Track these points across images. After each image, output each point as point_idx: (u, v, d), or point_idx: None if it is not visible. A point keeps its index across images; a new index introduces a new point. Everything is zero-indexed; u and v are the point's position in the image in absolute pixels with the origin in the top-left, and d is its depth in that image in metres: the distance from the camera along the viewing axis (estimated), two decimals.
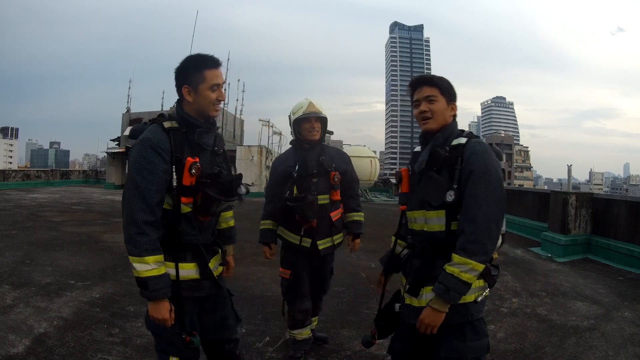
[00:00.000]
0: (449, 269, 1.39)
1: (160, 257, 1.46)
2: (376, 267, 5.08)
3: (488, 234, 1.38)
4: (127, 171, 1.51)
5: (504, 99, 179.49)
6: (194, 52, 1.60)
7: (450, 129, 1.56)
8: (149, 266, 1.43)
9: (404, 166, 1.74)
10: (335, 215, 2.48)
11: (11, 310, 3.19)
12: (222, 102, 1.63)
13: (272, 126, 21.41)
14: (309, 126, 2.38)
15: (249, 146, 18.07)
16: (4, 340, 2.66)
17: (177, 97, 1.60)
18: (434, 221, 1.51)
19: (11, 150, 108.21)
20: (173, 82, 1.59)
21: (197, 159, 1.50)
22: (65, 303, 3.41)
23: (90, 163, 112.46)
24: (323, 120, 2.44)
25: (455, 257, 1.38)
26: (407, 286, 1.60)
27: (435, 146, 1.52)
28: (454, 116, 1.60)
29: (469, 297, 1.44)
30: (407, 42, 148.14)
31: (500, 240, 1.53)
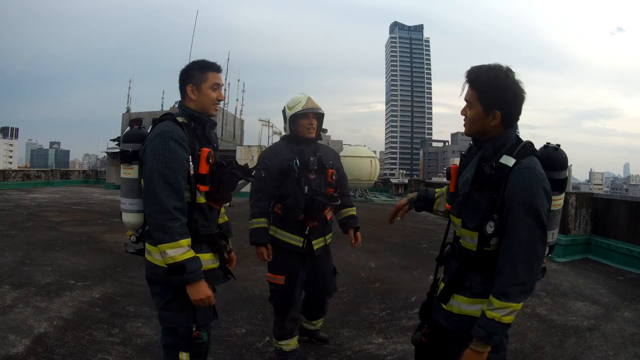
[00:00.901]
0: (489, 314, 1.29)
1: (190, 240, 1.53)
2: (376, 267, 5.08)
3: (530, 273, 1.28)
4: (146, 165, 1.55)
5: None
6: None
7: (501, 140, 1.37)
8: (184, 249, 1.49)
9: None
10: (328, 213, 2.41)
11: (11, 310, 3.19)
12: (221, 101, 1.77)
13: (272, 126, 21.47)
14: (307, 123, 2.30)
15: (249, 146, 18.06)
16: (4, 340, 2.66)
17: (179, 97, 1.74)
18: (467, 239, 1.45)
19: (11, 150, 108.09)
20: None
21: (211, 150, 1.63)
22: (65, 303, 3.41)
23: (90, 163, 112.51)
24: (320, 117, 2.37)
25: (495, 302, 1.28)
26: (443, 285, 1.56)
27: (482, 158, 1.38)
28: (505, 125, 1.37)
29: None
30: (407, 42, 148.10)
31: (547, 251, 1.45)
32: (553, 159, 1.41)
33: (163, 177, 1.49)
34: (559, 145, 1.44)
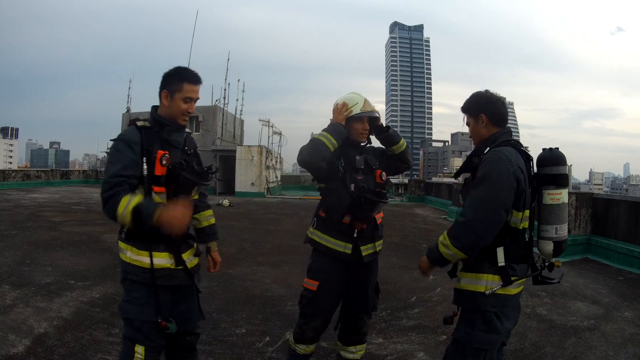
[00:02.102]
0: (440, 236, 1.63)
1: (131, 195, 1.57)
2: None
3: (472, 230, 1.53)
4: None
5: (504, 99, 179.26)
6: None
7: (490, 140, 1.68)
8: (128, 201, 1.53)
9: None
10: (379, 217, 2.18)
11: (11, 310, 3.19)
12: (192, 114, 1.79)
13: (272, 126, 21.43)
14: (361, 127, 2.11)
15: (249, 146, 18.07)
16: (4, 340, 2.66)
17: (159, 101, 1.78)
18: None
19: (11, 150, 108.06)
20: None
21: (167, 152, 1.66)
22: (65, 303, 3.41)
23: (90, 163, 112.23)
24: (373, 121, 2.17)
25: (443, 233, 1.62)
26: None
27: (473, 154, 1.72)
28: (492, 123, 1.70)
29: (479, 287, 1.59)
30: (407, 42, 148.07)
31: (551, 246, 1.63)
32: (547, 157, 1.63)
33: (108, 171, 1.61)
34: (556, 148, 1.65)
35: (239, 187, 17.64)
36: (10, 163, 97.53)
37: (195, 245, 1.85)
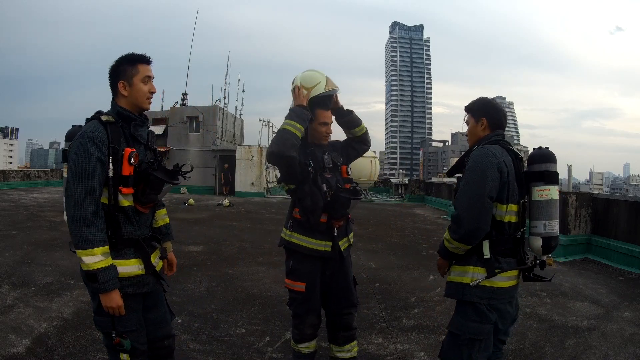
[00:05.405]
0: (445, 233, 1.73)
1: (107, 248, 1.50)
2: (376, 267, 5.08)
3: (464, 221, 1.61)
4: (68, 166, 1.53)
5: (504, 99, 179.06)
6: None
7: (482, 141, 1.78)
8: (97, 258, 1.46)
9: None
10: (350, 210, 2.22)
11: (11, 310, 3.19)
12: (154, 94, 1.71)
13: (272, 126, 21.44)
14: (324, 130, 2.12)
15: (249, 146, 18.05)
16: (4, 340, 2.66)
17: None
18: None
19: (11, 150, 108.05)
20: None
21: (135, 150, 1.57)
22: (65, 303, 3.41)
23: None
24: (336, 108, 2.22)
25: (446, 229, 1.72)
26: None
27: (464, 155, 1.83)
28: (490, 128, 1.79)
29: (465, 279, 1.68)
30: (407, 42, 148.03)
31: (540, 242, 1.71)
32: (535, 155, 1.74)
33: (80, 180, 1.46)
34: (546, 147, 1.75)
35: (239, 187, 17.63)
36: (10, 163, 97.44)
37: (159, 247, 1.77)
